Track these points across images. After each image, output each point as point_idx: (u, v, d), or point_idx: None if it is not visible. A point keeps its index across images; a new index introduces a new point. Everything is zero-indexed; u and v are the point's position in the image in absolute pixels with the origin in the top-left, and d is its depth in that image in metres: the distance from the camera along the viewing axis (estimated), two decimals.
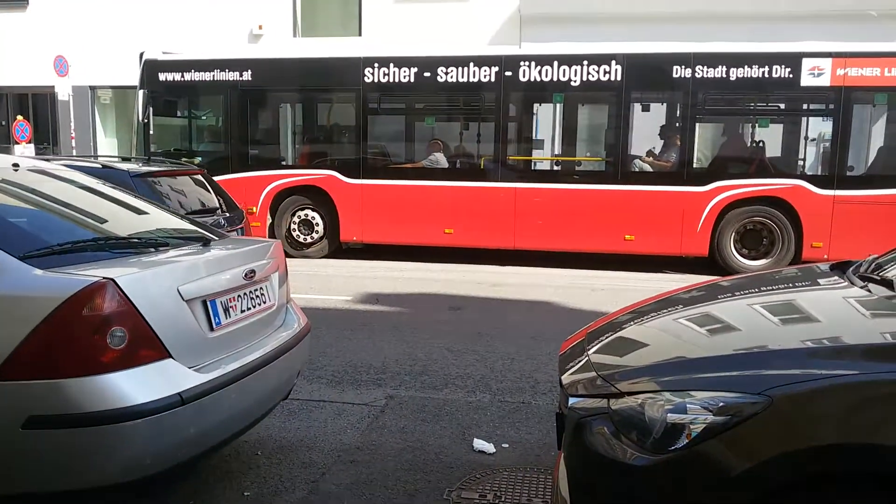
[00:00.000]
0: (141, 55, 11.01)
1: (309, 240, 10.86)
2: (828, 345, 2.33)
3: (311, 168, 10.83)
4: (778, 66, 9.19)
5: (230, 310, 3.04)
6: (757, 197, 9.52)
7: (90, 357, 2.45)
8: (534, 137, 11.02)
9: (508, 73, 9.92)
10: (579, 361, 2.64)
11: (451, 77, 10.07)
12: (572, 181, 10.17)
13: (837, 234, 9.23)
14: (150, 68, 10.90)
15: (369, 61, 10.30)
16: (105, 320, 2.47)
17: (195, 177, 7.56)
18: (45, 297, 2.42)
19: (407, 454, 3.84)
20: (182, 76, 10.86)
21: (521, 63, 9.89)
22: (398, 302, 7.84)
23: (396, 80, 10.24)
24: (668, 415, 2.08)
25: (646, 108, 10.28)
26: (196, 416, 2.68)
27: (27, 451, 2.43)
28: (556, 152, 10.91)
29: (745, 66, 9.27)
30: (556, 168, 10.75)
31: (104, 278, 2.49)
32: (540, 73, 9.85)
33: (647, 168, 10.02)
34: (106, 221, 3.41)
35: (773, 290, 3.20)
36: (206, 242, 3.30)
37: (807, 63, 9.13)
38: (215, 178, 9.00)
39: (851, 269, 3.05)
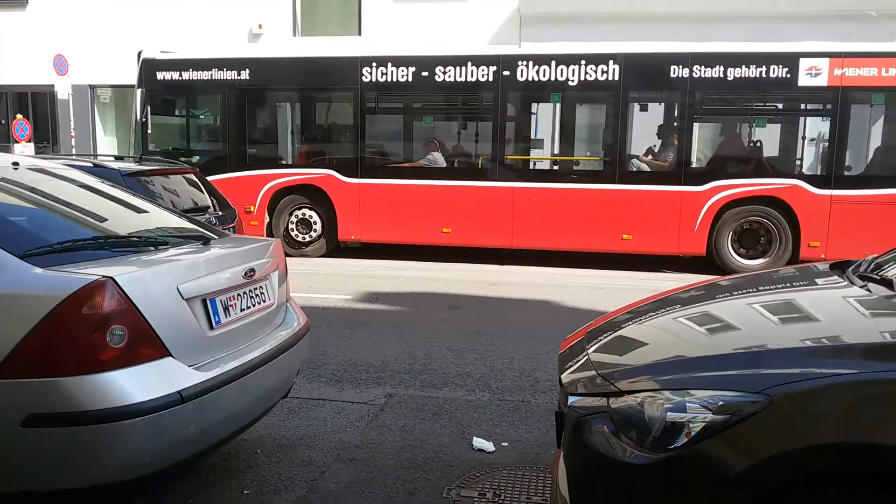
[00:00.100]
0: (139, 54, 11.00)
1: (307, 239, 10.86)
2: (827, 344, 2.33)
3: (309, 167, 10.83)
4: (775, 66, 9.21)
5: (230, 308, 3.05)
6: (754, 196, 9.53)
7: (90, 355, 2.44)
8: (531, 137, 11.02)
9: (506, 73, 9.93)
10: (579, 360, 2.65)
11: (449, 76, 10.07)
12: (570, 181, 10.18)
13: (835, 234, 9.25)
14: (148, 67, 10.89)
15: (367, 60, 10.29)
16: (105, 319, 2.46)
17: (187, 176, 7.55)
18: (45, 295, 2.42)
19: (406, 452, 3.84)
20: (180, 75, 10.85)
21: (519, 63, 9.90)
22: (397, 301, 7.84)
23: (394, 79, 10.24)
24: (668, 413, 2.08)
25: (643, 108, 10.30)
26: (195, 415, 2.68)
27: (27, 450, 2.43)
28: (554, 152, 10.92)
29: (743, 66, 9.29)
30: (553, 167, 10.76)
31: (104, 277, 2.49)
32: (537, 72, 9.85)
33: (645, 168, 10.04)
34: (106, 220, 3.41)
35: (772, 289, 3.20)
36: (205, 241, 3.30)
37: (804, 63, 9.15)
38: (213, 177, 8.99)
39: (851, 268, 3.05)
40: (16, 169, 3.38)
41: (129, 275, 2.61)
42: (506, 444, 3.98)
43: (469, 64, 10.01)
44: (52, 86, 14.52)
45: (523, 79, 9.91)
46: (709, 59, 9.39)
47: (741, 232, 9.70)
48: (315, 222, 10.80)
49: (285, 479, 3.52)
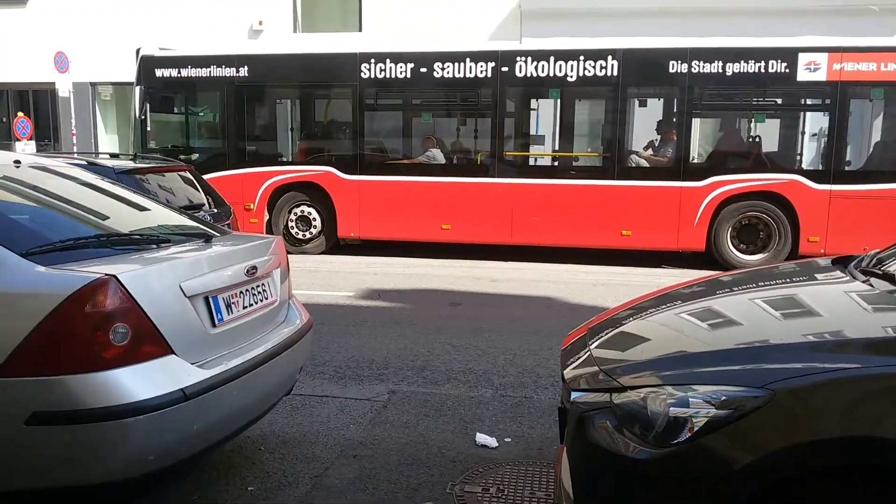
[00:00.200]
0: (137, 51, 10.97)
1: (307, 236, 10.85)
2: (830, 339, 2.34)
3: (309, 164, 10.82)
4: (774, 61, 9.20)
5: (232, 306, 3.05)
6: (754, 192, 9.53)
7: (93, 353, 2.44)
8: (531, 133, 11.02)
9: (505, 69, 9.92)
10: (581, 356, 2.65)
11: (448, 73, 10.05)
12: (569, 176, 10.18)
13: (834, 229, 9.26)
14: (147, 64, 10.87)
15: (366, 57, 10.28)
16: (107, 317, 2.47)
17: (182, 173, 7.54)
18: (48, 293, 2.42)
19: (410, 449, 3.85)
20: (178, 72, 10.84)
21: (518, 58, 9.88)
22: (399, 298, 7.85)
23: (393, 75, 10.23)
24: (671, 409, 2.08)
25: (642, 104, 10.30)
26: (199, 412, 2.68)
27: (30, 448, 2.43)
28: (554, 148, 10.91)
29: (742, 61, 9.28)
30: (553, 163, 10.76)
31: (106, 275, 2.49)
32: (536, 68, 9.84)
33: (644, 163, 10.04)
34: (108, 218, 3.40)
35: (774, 284, 3.20)
36: (207, 239, 3.30)
37: (803, 58, 9.14)
38: (213, 175, 8.98)
39: (853, 263, 3.05)
40: (17, 167, 3.37)
41: (131, 273, 2.61)
42: (509, 439, 3.98)
43: (467, 60, 9.99)
44: (53, 83, 14.50)
45: (522, 74, 9.90)
46: (708, 55, 9.38)
47: (740, 227, 9.71)
48: (314, 219, 10.80)
49: (289, 476, 3.53)
